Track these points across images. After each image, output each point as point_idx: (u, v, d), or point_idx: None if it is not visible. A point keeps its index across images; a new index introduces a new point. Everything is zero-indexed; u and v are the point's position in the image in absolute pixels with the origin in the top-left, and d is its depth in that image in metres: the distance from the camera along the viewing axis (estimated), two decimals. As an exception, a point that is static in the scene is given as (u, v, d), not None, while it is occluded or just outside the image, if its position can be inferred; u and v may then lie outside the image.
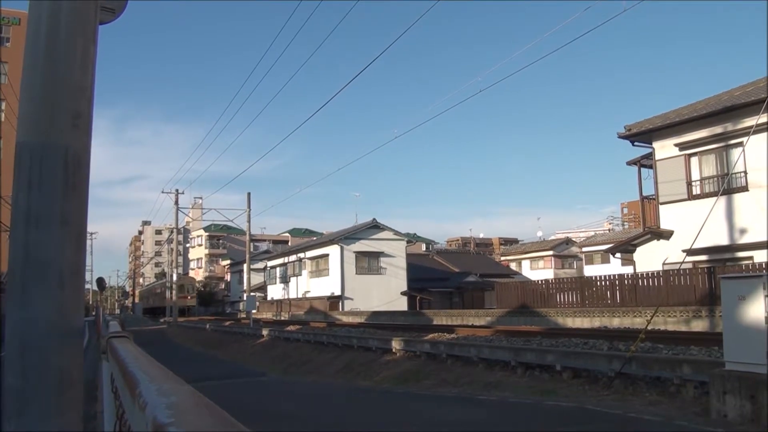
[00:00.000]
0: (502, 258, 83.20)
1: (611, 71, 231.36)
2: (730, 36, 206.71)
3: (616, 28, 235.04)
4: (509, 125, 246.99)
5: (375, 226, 53.59)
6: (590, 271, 58.61)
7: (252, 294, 48.40)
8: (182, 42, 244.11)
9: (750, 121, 20.64)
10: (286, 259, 64.00)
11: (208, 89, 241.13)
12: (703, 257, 23.54)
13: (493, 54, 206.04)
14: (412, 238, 68.48)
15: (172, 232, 67.06)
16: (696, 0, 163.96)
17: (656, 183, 26.33)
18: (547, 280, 35.30)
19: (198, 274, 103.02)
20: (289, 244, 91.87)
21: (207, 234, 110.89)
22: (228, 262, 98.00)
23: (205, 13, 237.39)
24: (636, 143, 27.13)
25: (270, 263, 69.90)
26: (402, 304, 50.88)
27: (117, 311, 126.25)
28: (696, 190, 24.83)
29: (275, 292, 65.75)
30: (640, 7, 19.23)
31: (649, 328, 13.90)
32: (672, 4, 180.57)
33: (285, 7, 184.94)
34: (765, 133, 20.79)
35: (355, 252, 52.02)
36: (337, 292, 51.18)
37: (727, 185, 22.02)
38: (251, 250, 59.54)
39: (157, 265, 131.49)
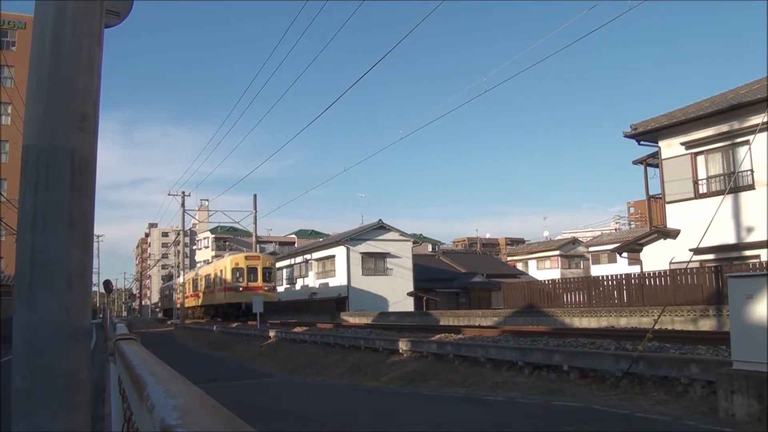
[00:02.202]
0: (509, 258, 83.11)
1: (617, 70, 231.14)
2: (736, 34, 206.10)
3: (622, 26, 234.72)
4: (515, 125, 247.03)
5: (381, 227, 53.60)
6: (597, 270, 58.53)
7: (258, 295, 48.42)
8: (188, 44, 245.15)
9: (756, 119, 20.59)
10: (292, 261, 64.10)
11: (216, 90, 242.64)
12: (710, 256, 23.47)
13: (497, 54, 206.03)
14: (418, 239, 68.45)
15: (178, 234, 67.11)
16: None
17: (662, 182, 26.27)
18: (553, 280, 35.26)
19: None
20: (296, 245, 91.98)
21: (213, 236, 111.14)
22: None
23: (210, 14, 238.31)
24: (642, 142, 27.07)
25: (276, 264, 70.00)
26: (408, 305, 50.87)
27: (124, 313, 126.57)
28: (702, 189, 24.77)
29: (282, 293, 65.83)
30: (646, 6, 19.20)
31: (656, 327, 13.86)
32: (677, 3, 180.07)
33: (290, 8, 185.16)
34: (771, 131, 20.71)
35: (361, 253, 52.06)
36: (344, 293, 51.19)
37: (734, 184, 21.97)
38: (258, 251, 59.59)
39: (163, 267, 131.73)
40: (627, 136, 26.84)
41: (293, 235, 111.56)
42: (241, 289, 44.53)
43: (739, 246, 22.86)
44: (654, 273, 25.28)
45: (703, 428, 8.08)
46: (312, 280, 58.09)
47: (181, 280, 60.14)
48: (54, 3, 2.75)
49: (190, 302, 61.88)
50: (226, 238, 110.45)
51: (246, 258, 46.44)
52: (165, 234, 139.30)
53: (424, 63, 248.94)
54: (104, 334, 20.95)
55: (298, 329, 27.61)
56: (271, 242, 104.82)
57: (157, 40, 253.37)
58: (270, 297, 44.75)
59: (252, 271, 45.68)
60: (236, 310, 44.08)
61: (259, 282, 45.39)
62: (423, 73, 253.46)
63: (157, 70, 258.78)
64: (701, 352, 11.17)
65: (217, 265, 49.71)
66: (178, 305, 60.51)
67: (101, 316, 52.51)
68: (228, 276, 45.52)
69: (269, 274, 46.73)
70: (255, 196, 55.09)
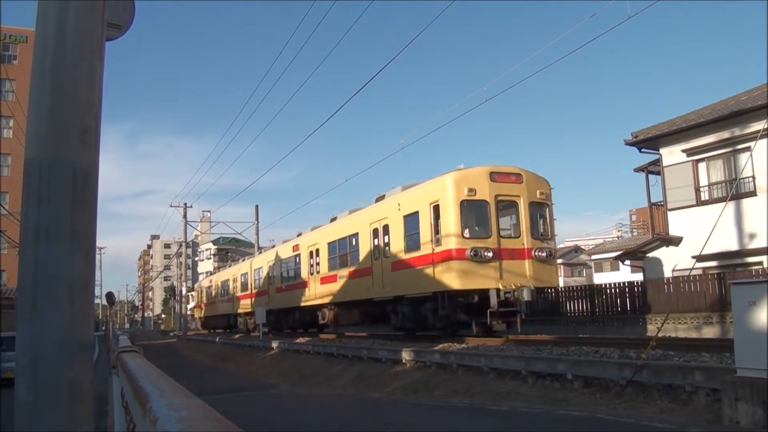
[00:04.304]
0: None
1: (618, 77, 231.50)
2: (736, 40, 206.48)
3: (622, 33, 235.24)
4: (516, 131, 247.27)
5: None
6: (600, 278, 58.38)
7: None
8: (191, 54, 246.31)
9: (757, 126, 20.59)
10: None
11: (220, 100, 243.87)
12: (713, 263, 23.44)
13: (498, 60, 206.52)
14: (420, 248, 68.14)
15: (180, 245, 67.04)
16: (701, 0, 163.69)
17: (664, 189, 26.28)
18: (556, 288, 35.13)
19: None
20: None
21: (216, 247, 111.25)
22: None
23: (212, 25, 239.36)
24: (643, 150, 27.09)
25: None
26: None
27: (126, 325, 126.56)
28: (704, 196, 24.77)
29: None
30: (646, 13, 19.26)
31: (659, 335, 13.83)
32: (677, 8, 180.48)
33: (291, 18, 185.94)
34: (772, 138, 20.71)
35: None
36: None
37: (736, 190, 21.96)
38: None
39: (166, 278, 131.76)
40: (628, 143, 26.87)
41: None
42: (488, 253, 18.46)
43: (742, 253, 22.84)
44: (657, 280, 25.24)
45: (708, 436, 8.05)
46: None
47: (183, 290, 59.75)
48: (55, 17, 2.76)
49: (244, 305, 41.11)
50: (228, 249, 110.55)
51: (491, 177, 19.10)
52: (167, 245, 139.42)
53: (424, 71, 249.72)
54: (107, 346, 20.95)
55: (300, 340, 27.55)
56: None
57: (161, 52, 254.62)
58: (548, 276, 19.81)
59: (508, 207, 19.65)
60: (464, 306, 18.87)
61: (525, 235, 19.21)
62: (423, 81, 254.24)
63: (162, 81, 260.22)
64: (705, 359, 11.13)
65: (389, 206, 22.41)
66: (200, 314, 57.96)
67: (104, 328, 52.51)
68: (448, 220, 18.84)
69: (542, 217, 20.10)
70: (257, 206, 55.15)
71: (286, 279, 33.43)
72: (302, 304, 30.50)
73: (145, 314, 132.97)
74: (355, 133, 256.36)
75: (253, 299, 39.52)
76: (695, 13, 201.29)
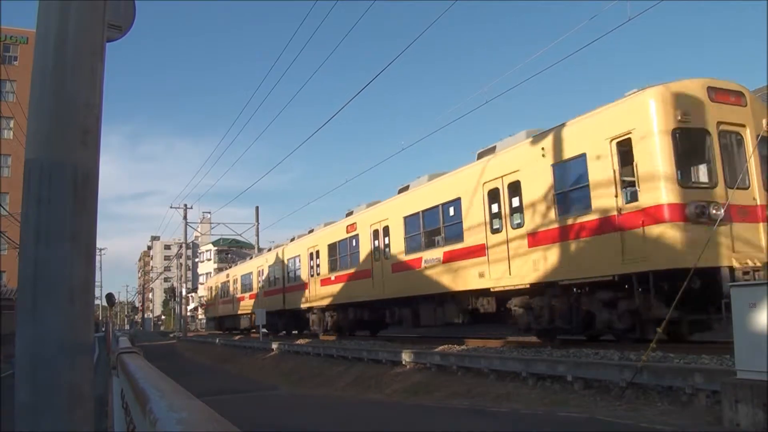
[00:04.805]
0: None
1: (617, 78, 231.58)
2: (736, 40, 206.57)
3: (623, 34, 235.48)
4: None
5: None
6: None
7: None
8: (194, 55, 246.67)
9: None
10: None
11: (221, 101, 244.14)
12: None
13: (498, 61, 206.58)
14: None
15: (181, 247, 67.06)
16: (701, 0, 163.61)
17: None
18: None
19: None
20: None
21: (216, 248, 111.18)
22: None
23: (213, 26, 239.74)
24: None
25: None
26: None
27: (126, 327, 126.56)
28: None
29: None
30: (646, 14, 19.22)
31: (659, 337, 13.79)
32: (677, 8, 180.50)
33: (291, 20, 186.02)
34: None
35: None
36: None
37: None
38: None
39: (166, 280, 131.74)
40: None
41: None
42: (718, 212, 12.08)
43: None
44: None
45: (708, 438, 8.04)
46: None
47: (183, 292, 59.65)
48: (56, 18, 2.76)
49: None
50: (229, 251, 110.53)
51: (709, 94, 12.73)
52: (167, 247, 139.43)
53: (424, 72, 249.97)
54: (107, 347, 20.94)
55: (300, 341, 27.53)
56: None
57: (162, 52, 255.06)
58: None
59: (730, 142, 12.98)
60: (672, 295, 11.77)
61: (756, 186, 12.79)
62: (423, 82, 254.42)
63: (162, 83, 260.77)
64: (705, 361, 11.12)
65: (521, 154, 15.89)
66: (212, 314, 57.31)
67: (104, 329, 52.53)
68: (652, 162, 12.34)
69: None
70: (257, 208, 55.24)
71: (336, 269, 26.90)
72: (363, 299, 24.36)
73: (145, 315, 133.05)
74: (355, 134, 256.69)
75: (285, 295, 33.44)
76: (695, 14, 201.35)
